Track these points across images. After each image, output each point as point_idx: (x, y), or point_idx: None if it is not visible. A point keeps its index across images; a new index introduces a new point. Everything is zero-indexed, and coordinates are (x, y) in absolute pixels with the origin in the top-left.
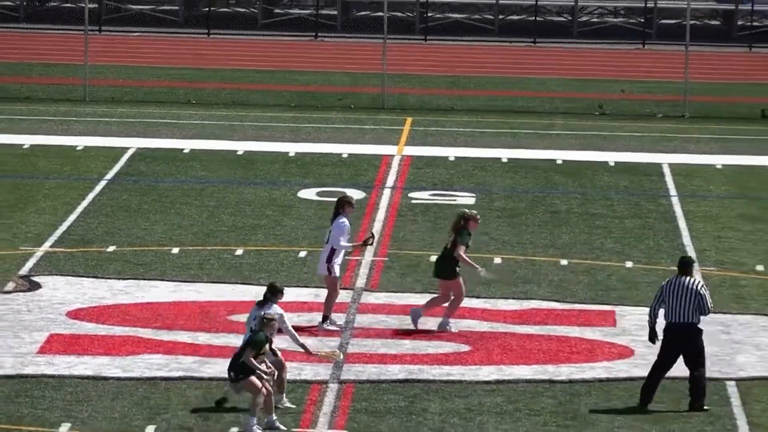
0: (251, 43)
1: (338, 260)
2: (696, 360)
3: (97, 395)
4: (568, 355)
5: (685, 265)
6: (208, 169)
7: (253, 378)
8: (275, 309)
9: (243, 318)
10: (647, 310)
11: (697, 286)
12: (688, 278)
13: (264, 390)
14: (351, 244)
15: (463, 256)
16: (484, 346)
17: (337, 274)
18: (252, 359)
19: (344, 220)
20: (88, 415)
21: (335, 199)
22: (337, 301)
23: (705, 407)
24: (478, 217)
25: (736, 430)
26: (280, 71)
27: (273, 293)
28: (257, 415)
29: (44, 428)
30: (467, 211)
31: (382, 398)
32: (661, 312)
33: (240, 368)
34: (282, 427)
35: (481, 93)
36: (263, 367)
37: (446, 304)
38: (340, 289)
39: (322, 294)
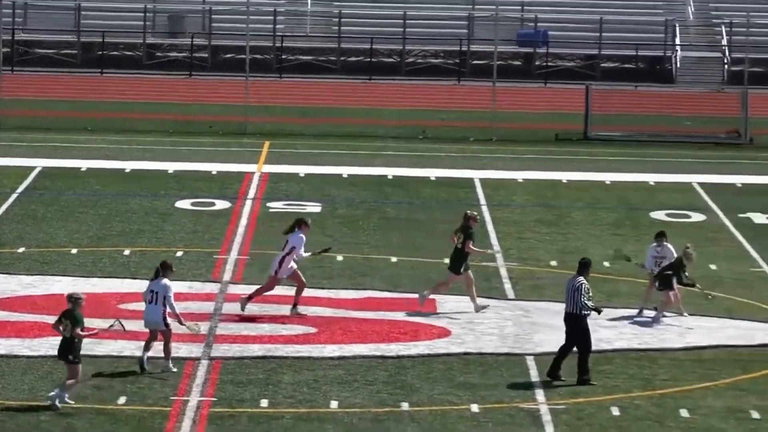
0: (137, 80)
1: (290, 264)
2: (579, 342)
3: (9, 370)
4: (397, 335)
5: (582, 265)
6: (102, 185)
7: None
8: (164, 282)
9: (131, 306)
10: (462, 297)
11: (576, 284)
12: (577, 277)
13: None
14: (309, 253)
15: (473, 248)
16: (329, 328)
17: (283, 276)
18: (79, 332)
19: (302, 235)
20: (2, 387)
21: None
22: (207, 291)
23: (589, 381)
24: (477, 216)
25: (534, 395)
26: (161, 103)
27: (164, 269)
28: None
29: None
30: (469, 212)
31: (244, 372)
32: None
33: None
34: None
35: (327, 120)
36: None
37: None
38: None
39: (195, 287)
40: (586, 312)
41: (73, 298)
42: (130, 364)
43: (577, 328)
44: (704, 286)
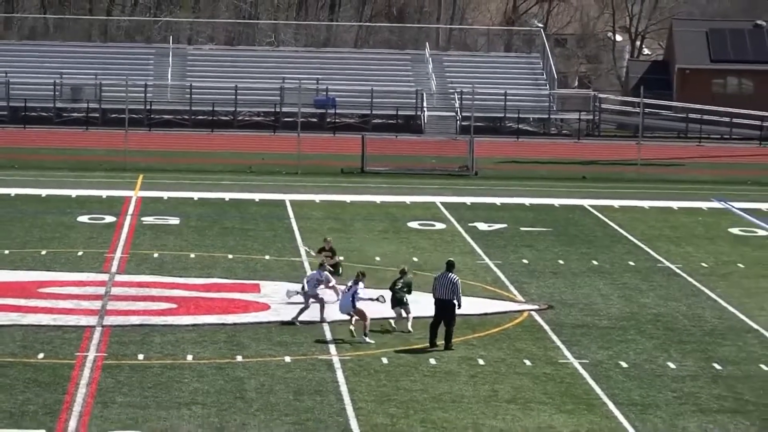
0: (50, 132)
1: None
2: (449, 321)
3: None
4: (233, 309)
5: (449, 265)
6: (25, 205)
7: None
8: (360, 285)
9: (49, 290)
10: (282, 284)
11: (454, 280)
12: (450, 274)
13: None
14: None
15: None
16: (185, 305)
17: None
18: None
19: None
20: None
21: (103, 222)
22: (100, 279)
23: (452, 348)
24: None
25: (329, 350)
26: (66, 148)
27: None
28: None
29: None
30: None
31: (126, 335)
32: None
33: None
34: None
35: (183, 160)
36: None
37: None
38: None
39: (91, 276)
40: (456, 301)
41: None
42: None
43: (451, 312)
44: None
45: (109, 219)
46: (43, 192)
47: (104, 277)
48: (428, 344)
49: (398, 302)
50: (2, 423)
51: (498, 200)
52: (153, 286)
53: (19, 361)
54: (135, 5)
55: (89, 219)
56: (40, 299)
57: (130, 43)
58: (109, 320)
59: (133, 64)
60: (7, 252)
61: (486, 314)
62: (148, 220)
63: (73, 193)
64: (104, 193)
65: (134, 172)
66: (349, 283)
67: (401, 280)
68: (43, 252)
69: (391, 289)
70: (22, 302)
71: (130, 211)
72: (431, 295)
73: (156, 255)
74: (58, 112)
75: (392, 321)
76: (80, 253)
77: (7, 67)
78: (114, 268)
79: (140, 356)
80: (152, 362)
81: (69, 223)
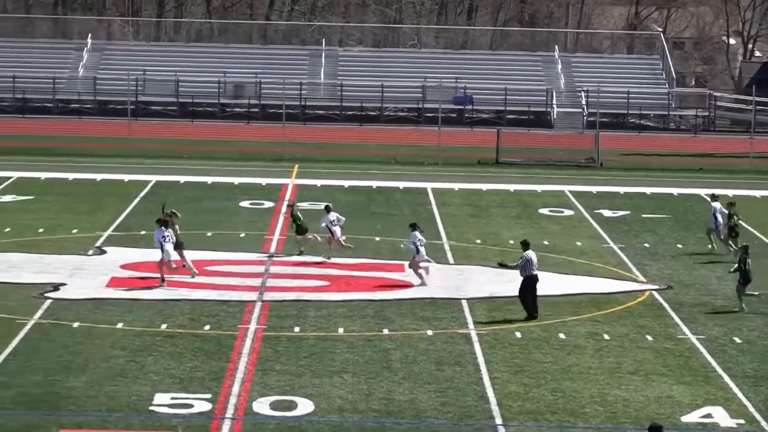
0: (214, 126)
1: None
2: (535, 294)
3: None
4: (380, 286)
5: (525, 244)
6: (193, 192)
7: None
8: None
9: (214, 268)
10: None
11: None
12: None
13: None
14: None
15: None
16: (337, 282)
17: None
18: None
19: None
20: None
21: (262, 207)
22: (260, 258)
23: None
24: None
25: (467, 324)
26: (229, 141)
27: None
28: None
29: (106, 325)
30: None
31: (284, 309)
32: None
33: None
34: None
35: (334, 152)
36: None
37: None
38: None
39: (252, 255)
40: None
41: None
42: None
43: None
44: (573, 256)
45: (268, 204)
46: (209, 179)
47: (264, 256)
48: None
49: None
50: (173, 387)
51: (621, 189)
52: (307, 266)
53: (187, 332)
54: (291, 11)
55: (250, 204)
56: (207, 276)
57: (286, 45)
58: (268, 296)
59: (290, 64)
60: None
61: (611, 293)
62: (303, 205)
63: (236, 180)
64: (264, 181)
65: (290, 162)
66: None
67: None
68: (209, 234)
69: None
70: (190, 279)
71: (287, 197)
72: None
73: (310, 237)
74: (222, 107)
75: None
76: (242, 235)
77: (177, 66)
78: (272, 249)
79: (296, 329)
80: (307, 334)
81: (232, 208)
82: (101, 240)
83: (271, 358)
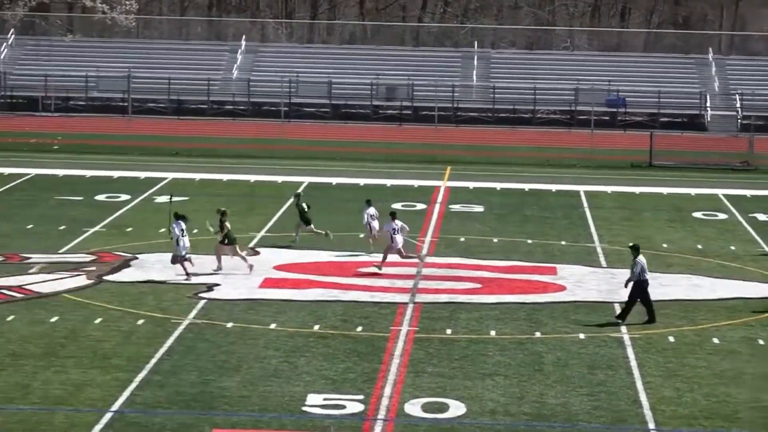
0: (365, 128)
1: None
2: (649, 298)
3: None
4: (532, 289)
5: (635, 249)
6: (346, 194)
7: None
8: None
9: (366, 269)
10: (576, 267)
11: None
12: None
13: None
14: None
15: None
16: (489, 285)
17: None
18: None
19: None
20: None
21: (415, 209)
22: (412, 261)
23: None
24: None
25: (619, 328)
26: (382, 142)
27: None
28: None
29: (260, 325)
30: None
31: (435, 311)
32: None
33: None
34: None
35: (486, 153)
36: None
37: None
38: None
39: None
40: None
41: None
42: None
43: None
44: (727, 260)
45: (420, 206)
46: (361, 181)
47: (415, 258)
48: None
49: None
50: (326, 388)
51: None
52: (459, 268)
53: (340, 333)
54: (444, 13)
55: (402, 206)
56: (359, 278)
57: (439, 47)
58: (420, 298)
59: (442, 66)
60: (331, 236)
61: (766, 298)
62: (455, 207)
63: (388, 182)
64: (416, 183)
65: (443, 164)
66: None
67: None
68: (361, 235)
69: None
70: (343, 280)
71: (439, 199)
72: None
73: (462, 239)
74: (375, 109)
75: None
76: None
77: (330, 68)
78: (424, 251)
79: (448, 331)
80: (459, 336)
81: (384, 210)
82: (255, 241)
83: (423, 360)
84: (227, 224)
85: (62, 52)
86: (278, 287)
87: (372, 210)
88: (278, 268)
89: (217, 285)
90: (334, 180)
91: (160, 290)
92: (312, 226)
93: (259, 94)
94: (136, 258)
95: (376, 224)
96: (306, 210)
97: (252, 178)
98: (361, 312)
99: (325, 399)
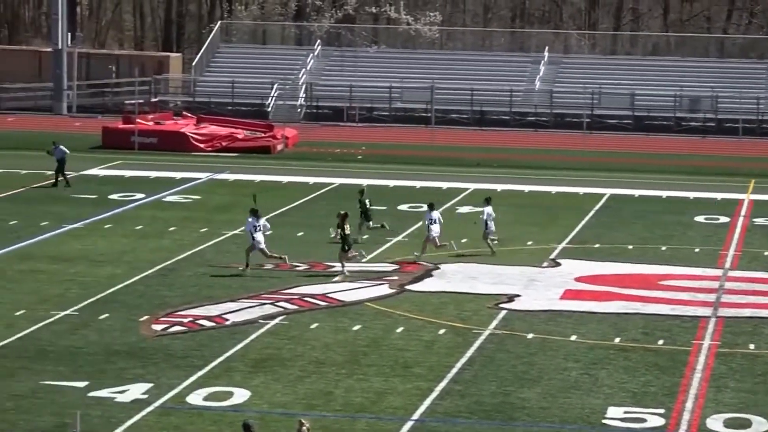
0: (669, 140)
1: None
2: None
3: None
4: None
5: None
6: (651, 208)
7: None
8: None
9: (668, 282)
10: None
11: None
12: None
13: None
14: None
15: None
16: None
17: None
18: None
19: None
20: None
21: (717, 222)
22: (714, 274)
23: None
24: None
25: None
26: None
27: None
28: None
29: (560, 337)
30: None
31: (738, 326)
32: None
33: None
34: None
35: None
36: None
37: None
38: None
39: (707, 271)
40: None
41: None
42: None
43: None
44: None
45: (723, 219)
46: (664, 194)
47: (718, 272)
48: None
49: None
50: (626, 401)
51: None
52: (764, 282)
53: (641, 346)
54: (749, 24)
55: (704, 219)
56: (660, 291)
57: (744, 58)
58: (723, 312)
59: (746, 78)
60: (630, 247)
61: None
62: (760, 221)
63: (690, 195)
64: (718, 196)
65: (746, 177)
66: None
67: None
68: (663, 248)
69: None
70: (644, 293)
71: (743, 212)
72: None
73: (766, 253)
74: (678, 121)
75: None
76: (696, 250)
77: (632, 80)
78: (727, 264)
79: (751, 346)
80: (762, 352)
81: (686, 222)
82: (556, 252)
83: (725, 375)
84: (347, 227)
85: (367, 63)
86: (578, 299)
87: (435, 214)
88: (580, 279)
89: (518, 296)
90: (637, 192)
91: (461, 300)
92: (371, 222)
93: (562, 106)
94: (438, 268)
95: (435, 228)
96: (368, 207)
97: (553, 189)
98: (663, 325)
99: (625, 412)
